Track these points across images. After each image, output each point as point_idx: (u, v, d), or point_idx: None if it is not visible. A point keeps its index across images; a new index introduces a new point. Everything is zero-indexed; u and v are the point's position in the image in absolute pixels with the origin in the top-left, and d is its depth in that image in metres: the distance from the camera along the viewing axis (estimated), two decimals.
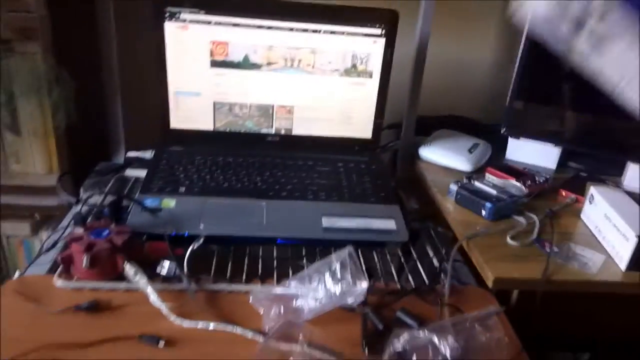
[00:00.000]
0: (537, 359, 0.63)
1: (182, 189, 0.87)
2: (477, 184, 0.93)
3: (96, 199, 0.86)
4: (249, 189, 0.89)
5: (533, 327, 0.70)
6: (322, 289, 0.65)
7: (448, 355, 0.56)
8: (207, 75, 0.97)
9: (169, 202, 0.83)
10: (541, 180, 1.00)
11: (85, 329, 0.63)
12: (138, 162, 1.02)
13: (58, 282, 0.70)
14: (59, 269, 0.71)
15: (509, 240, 0.81)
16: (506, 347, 0.62)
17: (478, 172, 1.05)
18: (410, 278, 0.78)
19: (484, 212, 0.87)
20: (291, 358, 0.60)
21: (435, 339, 0.57)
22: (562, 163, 1.11)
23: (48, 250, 0.78)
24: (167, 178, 0.89)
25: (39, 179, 1.06)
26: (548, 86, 1.07)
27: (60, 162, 1.02)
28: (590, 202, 0.88)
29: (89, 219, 0.74)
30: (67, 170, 1.03)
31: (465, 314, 0.62)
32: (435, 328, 0.59)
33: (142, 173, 0.96)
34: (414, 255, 0.83)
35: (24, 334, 0.61)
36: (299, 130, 1.03)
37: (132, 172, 0.99)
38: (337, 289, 0.64)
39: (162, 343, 0.61)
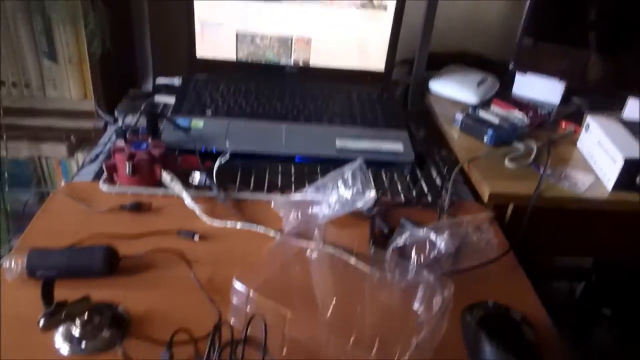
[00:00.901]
0: (534, 288, 0.70)
1: (209, 112, 0.95)
2: (482, 113, 1.00)
3: (131, 119, 0.95)
4: (270, 113, 0.96)
5: (527, 246, 0.77)
6: (335, 194, 0.73)
7: (442, 249, 0.65)
8: (230, 6, 1.03)
9: (198, 123, 0.91)
10: (543, 113, 1.06)
11: (130, 224, 0.73)
12: (166, 89, 1.10)
13: (103, 187, 0.79)
14: (104, 176, 0.80)
15: (506, 162, 0.89)
16: (495, 247, 0.71)
17: (485, 104, 1.11)
18: (414, 193, 0.86)
19: (485, 138, 0.94)
20: (308, 251, 0.70)
21: (432, 235, 0.66)
22: (565, 98, 1.17)
23: (91, 162, 0.88)
24: (194, 102, 0.97)
25: (75, 104, 1.15)
26: (557, 24, 1.12)
27: (95, 88, 1.10)
28: (586, 131, 0.94)
29: (128, 135, 0.82)
30: (100, 96, 1.11)
31: (460, 217, 0.71)
32: (433, 227, 0.67)
33: (170, 99, 1.04)
34: (419, 175, 0.91)
35: (77, 228, 0.71)
36: (316, 61, 1.09)
37: (160, 98, 1.07)
38: (348, 194, 0.73)
39: (197, 237, 0.71)
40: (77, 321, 0.55)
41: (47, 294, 0.52)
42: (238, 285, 0.56)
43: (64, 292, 0.54)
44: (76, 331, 0.55)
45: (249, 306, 0.56)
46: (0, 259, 0.63)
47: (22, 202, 1.20)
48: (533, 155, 0.92)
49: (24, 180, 1.26)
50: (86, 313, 0.55)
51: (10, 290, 0.60)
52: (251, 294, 0.55)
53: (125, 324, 0.58)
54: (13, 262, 0.61)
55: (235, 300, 0.57)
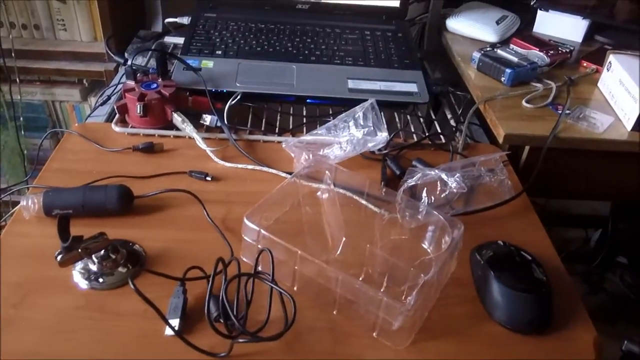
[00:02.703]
0: (549, 234, 0.69)
1: (219, 52, 0.93)
2: (500, 52, 0.96)
3: (141, 60, 0.94)
4: (280, 53, 0.94)
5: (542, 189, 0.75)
6: (346, 134, 0.73)
7: (454, 189, 0.65)
8: None
9: (208, 63, 0.90)
10: (564, 51, 1.02)
11: (143, 165, 0.73)
12: (176, 30, 1.08)
13: (116, 128, 0.79)
14: (116, 117, 0.80)
15: (524, 103, 0.87)
16: (509, 189, 0.70)
17: (504, 43, 1.07)
18: (427, 135, 0.85)
19: (503, 78, 0.91)
20: (319, 192, 0.70)
21: (444, 176, 0.65)
22: (588, 37, 1.12)
23: (103, 103, 0.88)
24: (204, 42, 0.95)
25: (85, 46, 1.14)
26: None
27: (104, 29, 1.08)
28: (608, 70, 0.91)
29: (138, 75, 0.81)
30: (110, 37, 1.09)
31: (473, 158, 0.70)
32: (444, 168, 0.67)
33: (179, 40, 1.02)
34: (433, 117, 0.89)
35: (91, 168, 0.72)
36: None
37: (170, 39, 1.06)
38: (359, 134, 0.72)
39: (209, 177, 0.71)
40: (94, 257, 0.56)
41: (63, 230, 0.54)
42: (249, 224, 0.57)
43: (80, 230, 0.55)
44: (94, 267, 0.57)
45: (260, 244, 0.57)
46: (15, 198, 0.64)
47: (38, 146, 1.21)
48: (552, 95, 0.89)
49: (40, 125, 1.27)
50: (103, 250, 0.56)
51: (29, 227, 0.62)
52: (262, 233, 0.56)
53: (141, 261, 0.59)
54: (30, 201, 0.62)
55: (246, 238, 0.58)
